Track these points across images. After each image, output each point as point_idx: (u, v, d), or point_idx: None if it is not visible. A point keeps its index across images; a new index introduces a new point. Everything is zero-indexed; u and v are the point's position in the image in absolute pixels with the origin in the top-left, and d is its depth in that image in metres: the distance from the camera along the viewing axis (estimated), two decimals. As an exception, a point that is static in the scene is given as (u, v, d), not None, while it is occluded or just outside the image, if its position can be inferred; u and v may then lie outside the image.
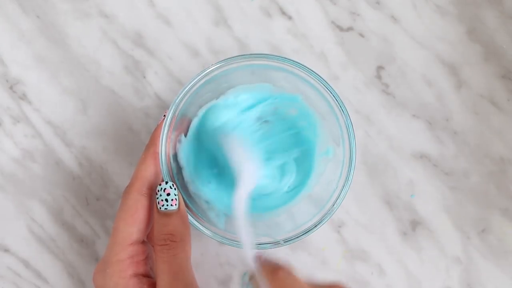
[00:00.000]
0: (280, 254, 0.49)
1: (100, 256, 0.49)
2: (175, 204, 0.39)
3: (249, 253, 0.37)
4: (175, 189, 0.39)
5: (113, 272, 0.38)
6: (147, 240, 0.42)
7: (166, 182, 0.39)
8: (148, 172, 0.40)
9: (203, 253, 0.49)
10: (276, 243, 0.41)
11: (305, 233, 0.41)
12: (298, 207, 0.45)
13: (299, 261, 0.49)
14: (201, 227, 0.41)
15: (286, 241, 0.41)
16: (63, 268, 0.49)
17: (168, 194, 0.39)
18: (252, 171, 0.41)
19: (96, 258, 0.49)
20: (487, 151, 0.50)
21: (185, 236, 0.39)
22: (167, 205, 0.39)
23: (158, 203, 0.39)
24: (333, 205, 0.41)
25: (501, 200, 0.49)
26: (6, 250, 0.49)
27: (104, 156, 0.50)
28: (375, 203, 0.50)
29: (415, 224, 0.49)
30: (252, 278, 0.36)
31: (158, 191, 0.39)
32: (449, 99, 0.50)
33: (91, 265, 0.49)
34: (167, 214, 0.39)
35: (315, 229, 0.41)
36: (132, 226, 0.39)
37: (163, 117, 0.41)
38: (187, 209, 0.40)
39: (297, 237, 0.41)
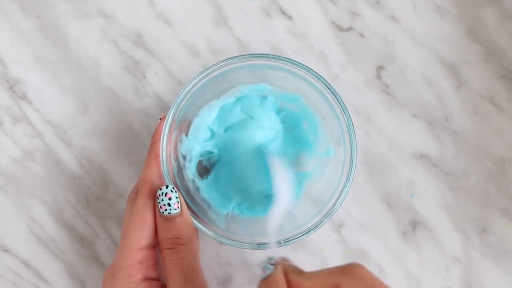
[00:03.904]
0: (281, 253, 0.49)
1: (100, 256, 0.49)
2: (178, 208, 0.39)
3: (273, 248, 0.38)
4: (176, 192, 0.39)
5: (123, 277, 0.38)
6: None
7: (167, 186, 0.39)
8: (154, 175, 0.40)
9: (203, 253, 0.49)
10: (277, 243, 0.41)
11: (306, 233, 0.41)
12: (299, 207, 0.45)
13: (299, 261, 0.49)
14: (202, 227, 0.41)
15: (287, 241, 0.41)
16: (63, 268, 0.49)
17: (170, 198, 0.39)
18: (289, 195, 0.41)
19: (96, 258, 0.49)
20: (487, 151, 0.50)
21: (191, 237, 0.39)
22: (170, 209, 0.39)
23: (161, 207, 0.39)
24: (334, 205, 0.41)
25: (501, 200, 0.49)
26: (6, 250, 0.49)
27: (104, 156, 0.50)
28: (375, 203, 0.50)
29: (415, 224, 0.49)
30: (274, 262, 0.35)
31: (159, 195, 0.39)
32: (449, 99, 0.50)
33: (91, 265, 0.49)
34: (170, 218, 0.39)
35: (315, 229, 0.41)
36: (142, 230, 0.39)
37: (160, 120, 0.41)
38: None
39: (298, 237, 0.41)
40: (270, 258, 0.36)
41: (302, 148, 0.47)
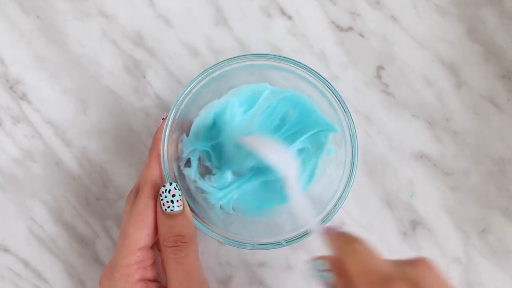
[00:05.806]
0: (281, 253, 0.49)
1: (100, 256, 0.49)
2: (180, 205, 0.39)
3: (315, 229, 0.37)
4: (179, 189, 0.39)
5: (120, 276, 0.38)
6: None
7: (170, 183, 0.39)
8: (155, 176, 0.40)
9: (203, 253, 0.49)
10: (278, 243, 0.41)
11: (307, 233, 0.41)
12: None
13: (299, 260, 0.49)
14: (203, 227, 0.41)
15: (288, 241, 0.41)
16: (63, 268, 0.49)
17: (173, 195, 0.39)
18: (290, 159, 0.41)
19: (96, 258, 0.49)
20: (487, 151, 0.50)
21: (193, 236, 0.39)
22: (173, 206, 0.39)
23: (163, 204, 0.39)
24: (335, 205, 0.41)
25: (501, 200, 0.49)
26: (6, 250, 0.49)
27: (104, 156, 0.50)
28: (375, 203, 0.50)
29: (415, 224, 0.49)
30: (329, 267, 0.35)
31: (163, 192, 0.39)
32: (449, 99, 0.50)
33: (91, 265, 0.49)
34: (173, 215, 0.39)
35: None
36: (142, 230, 0.39)
37: (162, 120, 0.41)
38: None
39: (299, 238, 0.41)
40: (316, 263, 0.35)
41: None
